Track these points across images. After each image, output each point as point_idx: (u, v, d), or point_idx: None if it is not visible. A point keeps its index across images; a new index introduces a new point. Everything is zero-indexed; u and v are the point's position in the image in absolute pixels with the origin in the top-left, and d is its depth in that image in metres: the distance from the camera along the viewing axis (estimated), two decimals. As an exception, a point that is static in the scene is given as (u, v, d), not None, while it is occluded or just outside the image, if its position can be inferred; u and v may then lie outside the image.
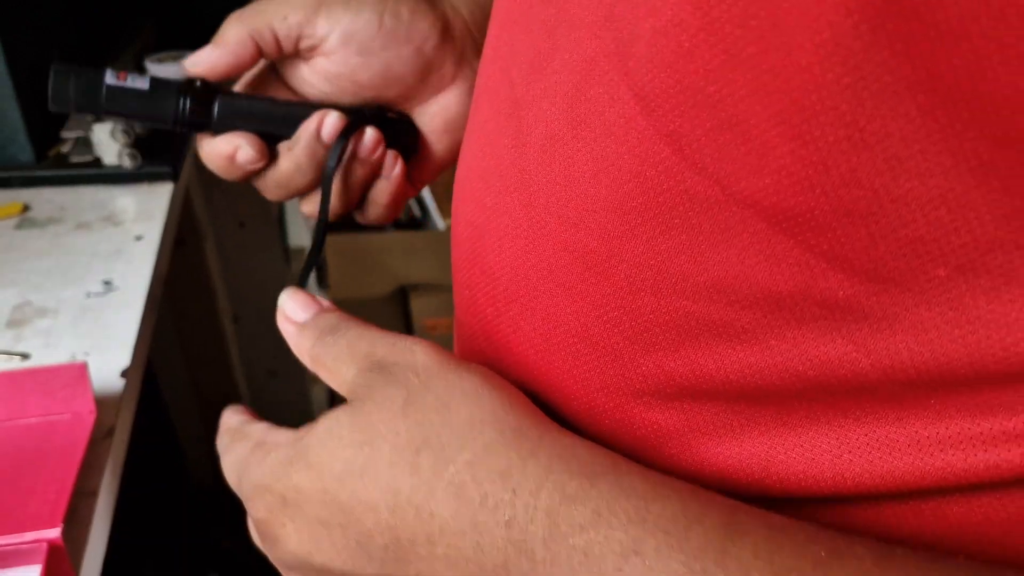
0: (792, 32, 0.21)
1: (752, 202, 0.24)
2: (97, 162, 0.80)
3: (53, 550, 0.46)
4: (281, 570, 0.34)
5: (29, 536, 0.46)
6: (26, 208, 0.77)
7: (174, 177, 0.80)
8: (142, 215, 0.76)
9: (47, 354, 0.62)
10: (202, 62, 0.41)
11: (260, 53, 0.42)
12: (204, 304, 1.07)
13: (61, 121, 0.83)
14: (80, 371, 0.54)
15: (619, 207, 0.27)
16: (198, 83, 0.41)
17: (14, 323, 0.65)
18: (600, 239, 0.28)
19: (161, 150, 0.81)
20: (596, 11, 0.26)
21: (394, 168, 0.44)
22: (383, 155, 0.43)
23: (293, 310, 0.36)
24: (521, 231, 0.32)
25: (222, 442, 0.37)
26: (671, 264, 0.27)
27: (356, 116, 0.43)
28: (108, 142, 0.78)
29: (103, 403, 0.56)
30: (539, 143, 0.30)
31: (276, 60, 0.44)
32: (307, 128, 0.42)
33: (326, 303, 0.37)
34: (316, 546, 0.30)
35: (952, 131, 0.20)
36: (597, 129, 0.27)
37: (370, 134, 0.43)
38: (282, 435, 0.33)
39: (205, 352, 1.16)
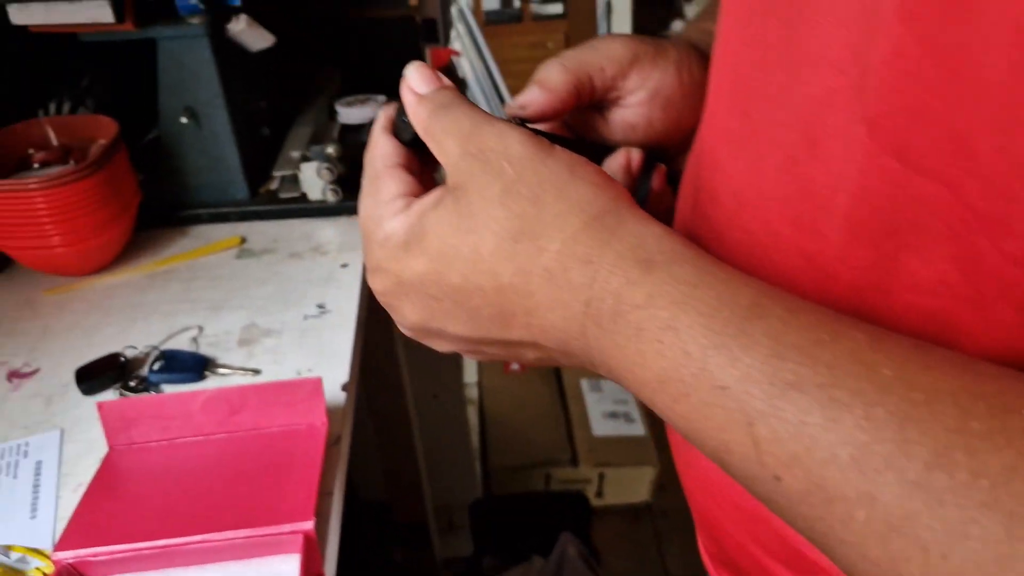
0: (994, 51, 0.24)
1: (969, 203, 0.27)
2: (303, 197, 0.88)
3: (308, 540, 0.52)
4: (402, 330, 0.40)
5: (287, 527, 0.52)
6: (243, 240, 0.86)
7: (370, 210, 0.87)
8: (345, 245, 0.84)
9: (275, 370, 0.70)
10: (532, 104, 0.43)
11: (577, 99, 0.44)
12: (383, 328, 1.15)
13: (271, 162, 0.91)
14: (316, 386, 0.61)
15: (849, 217, 0.31)
16: (516, 121, 0.44)
17: (244, 342, 0.73)
18: (831, 244, 0.32)
19: (358, 186, 0.89)
20: (841, 51, 0.30)
21: (670, 204, 0.46)
22: (668, 191, 0.46)
23: (416, 82, 0.39)
24: (757, 240, 0.36)
25: (367, 170, 0.40)
26: (898, 263, 0.30)
27: (650, 154, 0.45)
28: (314, 180, 0.86)
29: (329, 413, 0.62)
30: (777, 164, 0.34)
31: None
32: (616, 161, 0.44)
33: (446, 80, 0.39)
34: (431, 315, 0.37)
35: None
36: (836, 152, 0.31)
37: (663, 170, 0.45)
38: (398, 220, 0.37)
39: (381, 372, 1.24)
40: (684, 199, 0.45)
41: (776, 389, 0.26)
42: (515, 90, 2.15)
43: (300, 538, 0.52)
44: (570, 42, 2.45)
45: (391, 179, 0.39)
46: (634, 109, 0.45)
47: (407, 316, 0.38)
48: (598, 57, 0.44)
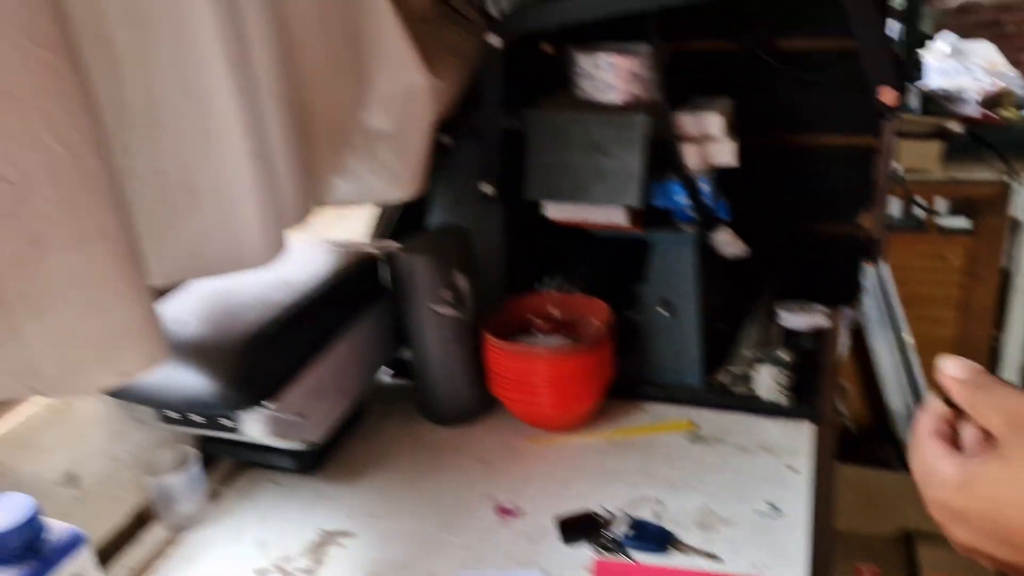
0: None
1: None
2: (753, 394, 0.94)
3: None
4: (952, 545, 0.48)
5: None
6: (693, 424, 0.94)
7: (814, 419, 0.92)
8: (791, 448, 0.88)
9: (732, 559, 0.75)
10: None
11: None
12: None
13: (720, 355, 1.00)
14: (791, 587, 0.64)
15: None
16: None
17: (702, 525, 0.79)
18: None
19: (803, 391, 0.94)
20: None
21: None
22: None
23: (952, 369, 0.48)
24: None
25: (916, 434, 0.50)
26: None
27: None
28: (768, 381, 0.92)
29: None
30: None
31: None
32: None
33: (976, 365, 0.48)
34: (978, 542, 0.46)
35: None
36: None
37: None
38: (946, 466, 0.46)
39: None
40: None
41: None
42: (904, 297, 2.11)
43: None
44: (972, 259, 2.36)
45: (935, 442, 0.49)
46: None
47: (957, 537, 0.48)
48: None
